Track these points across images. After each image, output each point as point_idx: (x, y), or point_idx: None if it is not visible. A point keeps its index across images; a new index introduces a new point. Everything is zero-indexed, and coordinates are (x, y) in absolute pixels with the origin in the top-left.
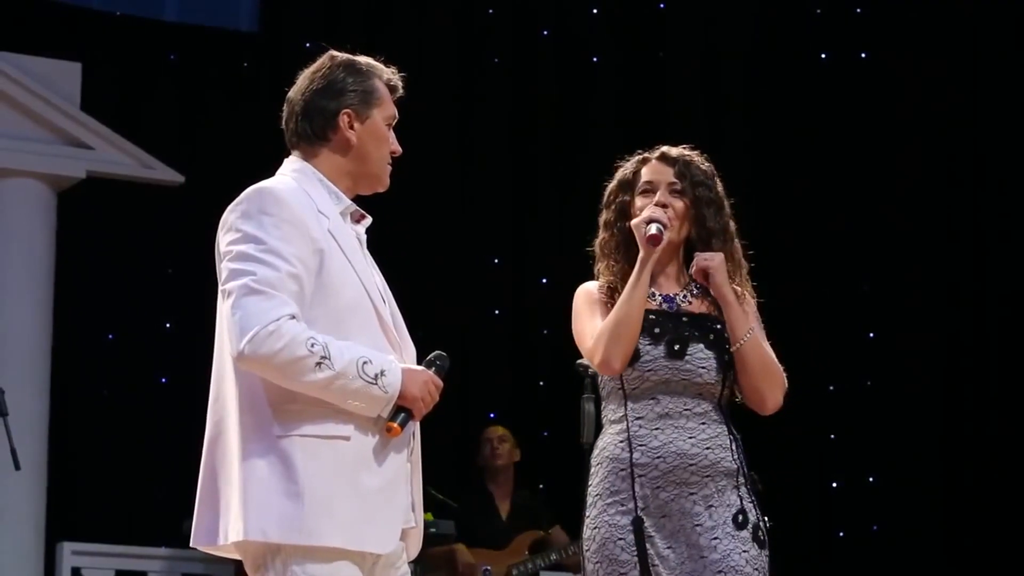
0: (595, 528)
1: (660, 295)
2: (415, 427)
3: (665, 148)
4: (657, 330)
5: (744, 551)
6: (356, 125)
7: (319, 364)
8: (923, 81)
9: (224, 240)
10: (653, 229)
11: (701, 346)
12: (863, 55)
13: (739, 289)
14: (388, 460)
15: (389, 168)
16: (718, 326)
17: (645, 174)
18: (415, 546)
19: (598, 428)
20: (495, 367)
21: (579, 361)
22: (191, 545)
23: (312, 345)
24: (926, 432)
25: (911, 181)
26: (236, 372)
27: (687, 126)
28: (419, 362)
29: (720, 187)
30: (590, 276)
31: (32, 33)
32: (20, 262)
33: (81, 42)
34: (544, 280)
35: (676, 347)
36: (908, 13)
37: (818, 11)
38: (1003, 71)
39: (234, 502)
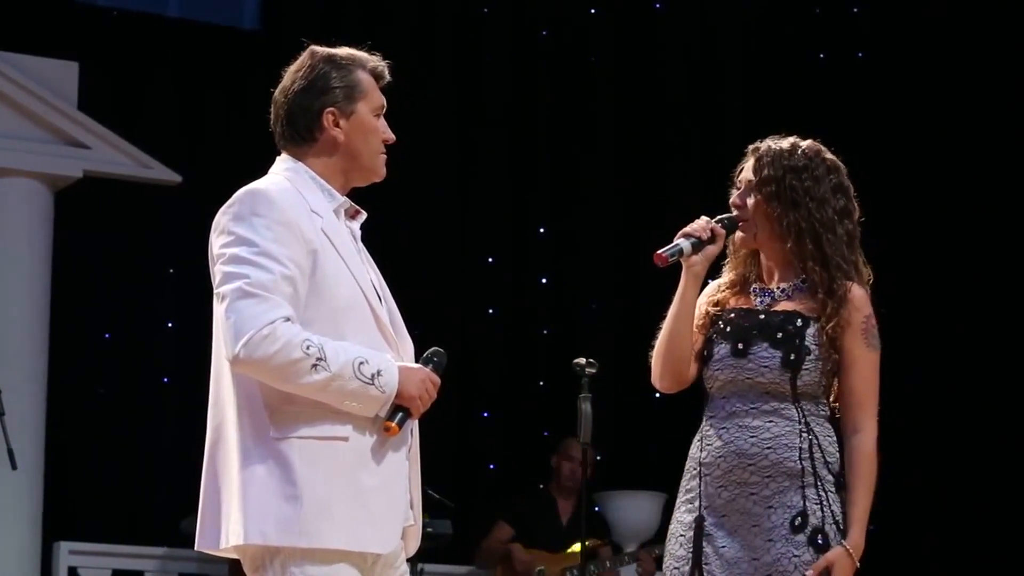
0: (670, 524)
1: (761, 289)
2: (413, 425)
3: (762, 141)
4: (729, 329)
5: (795, 556)
6: (341, 122)
7: (315, 366)
8: (921, 81)
9: (217, 243)
10: (667, 251)
11: (766, 344)
12: (860, 55)
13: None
14: (386, 459)
15: (383, 157)
16: (797, 323)
17: (741, 171)
18: (413, 544)
19: (597, 427)
20: (494, 366)
21: (576, 361)
22: (196, 548)
23: (308, 347)
24: (925, 433)
25: (909, 180)
26: (233, 375)
27: (685, 126)
28: (417, 359)
29: (807, 181)
30: (589, 275)
31: (29, 32)
32: (17, 262)
33: (78, 41)
34: (544, 280)
35: (740, 346)
36: (905, 13)
37: (817, 11)
38: (1002, 70)
39: (234, 505)
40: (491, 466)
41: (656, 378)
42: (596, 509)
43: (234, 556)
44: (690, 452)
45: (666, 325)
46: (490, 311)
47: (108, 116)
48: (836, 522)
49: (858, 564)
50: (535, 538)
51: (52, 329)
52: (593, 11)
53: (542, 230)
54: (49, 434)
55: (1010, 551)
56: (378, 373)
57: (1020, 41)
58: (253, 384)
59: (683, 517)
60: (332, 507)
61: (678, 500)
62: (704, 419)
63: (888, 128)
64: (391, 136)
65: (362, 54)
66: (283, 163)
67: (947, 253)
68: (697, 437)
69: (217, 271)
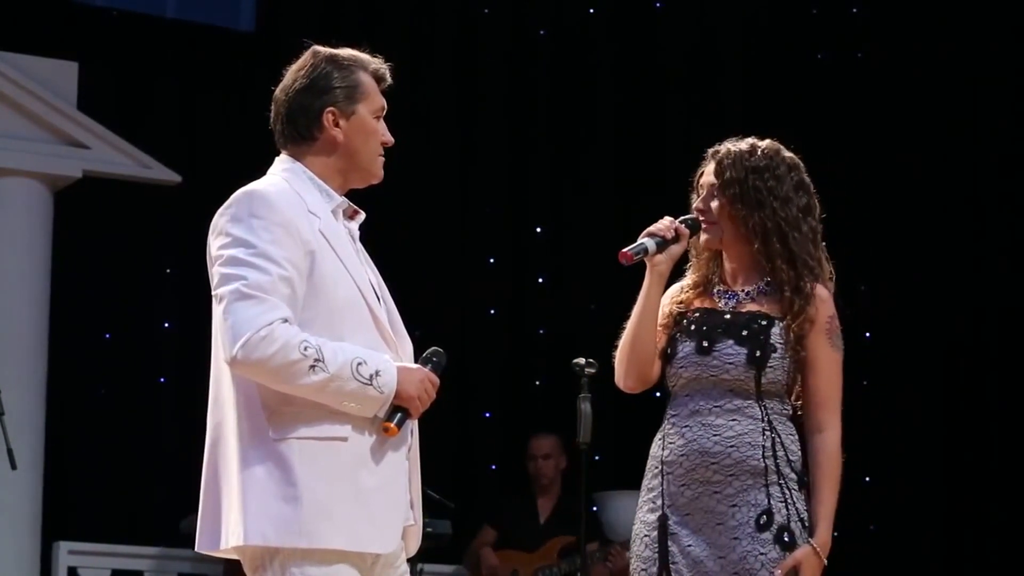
0: (633, 525)
1: (723, 292)
2: (413, 425)
3: (721, 144)
4: (693, 327)
5: (762, 553)
6: (341, 122)
7: (313, 367)
8: (920, 80)
9: (214, 244)
10: (631, 249)
11: (731, 342)
12: (859, 55)
13: (822, 529)
14: (386, 459)
15: (381, 160)
16: (762, 322)
17: (702, 175)
18: (414, 544)
19: (595, 428)
20: (492, 367)
21: (575, 360)
22: (196, 550)
23: (305, 348)
24: (923, 432)
25: (908, 180)
26: (233, 375)
27: (684, 126)
28: (416, 360)
29: (770, 181)
30: (585, 276)
31: (29, 32)
32: (17, 262)
33: (78, 42)
34: (541, 280)
35: (704, 344)
36: (904, 13)
37: (814, 11)
38: (1001, 69)
39: (234, 506)
40: (491, 466)
41: (620, 378)
42: (594, 509)
43: (234, 557)
44: (651, 451)
45: (630, 324)
46: (490, 311)
47: (107, 116)
48: (801, 520)
49: (825, 562)
50: (515, 538)
51: (51, 329)
52: (592, 11)
53: (539, 229)
54: (49, 434)
55: (1010, 552)
56: (376, 374)
57: (1020, 41)
58: (252, 385)
59: (646, 517)
60: (332, 507)
61: (640, 499)
62: (666, 417)
63: (888, 128)
64: (390, 139)
65: (364, 56)
66: (281, 164)
67: (947, 253)
68: (659, 435)
69: (215, 272)
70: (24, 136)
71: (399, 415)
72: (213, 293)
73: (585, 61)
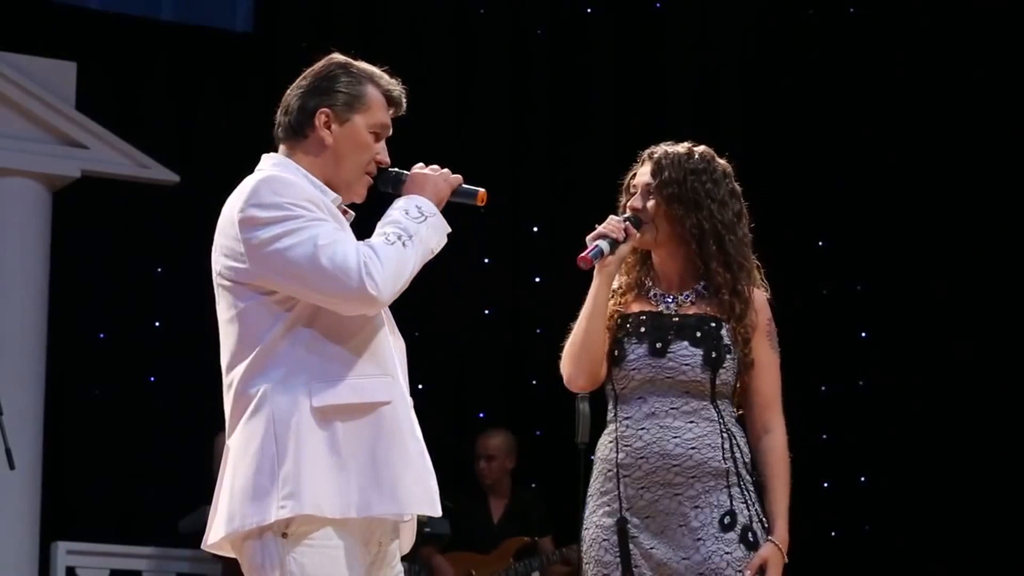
0: (586, 529)
1: (661, 295)
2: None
3: (656, 146)
4: (643, 330)
5: (727, 553)
6: (333, 126)
7: (404, 244)
8: (920, 80)
9: (255, 235)
10: (589, 253)
11: (685, 343)
12: (857, 54)
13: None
14: (408, 435)
15: (367, 180)
16: (712, 324)
17: (636, 176)
18: (408, 541)
19: (594, 427)
20: (489, 367)
21: None
22: (206, 547)
23: (387, 238)
24: (919, 432)
25: (906, 179)
26: (270, 349)
27: (682, 126)
28: (410, 363)
29: (708, 184)
30: (582, 276)
31: (27, 33)
32: (15, 261)
33: (76, 42)
34: (537, 279)
35: (658, 345)
36: (901, 12)
37: (810, 11)
38: (1001, 68)
39: (289, 476)
40: None
41: (570, 378)
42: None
43: (230, 555)
44: (599, 454)
45: (580, 325)
46: (486, 311)
47: (106, 116)
48: (761, 520)
49: (786, 559)
50: (468, 539)
51: (50, 329)
52: (590, 10)
53: (535, 229)
54: (47, 434)
55: (1007, 552)
56: (419, 207)
57: (1020, 40)
58: (286, 357)
59: (602, 520)
60: (379, 473)
61: (592, 503)
62: (616, 420)
63: (886, 128)
64: (386, 159)
65: (382, 74)
66: (270, 159)
67: (946, 252)
68: (609, 438)
69: (275, 254)
70: (23, 136)
71: (469, 191)
72: (289, 274)
73: (583, 61)
